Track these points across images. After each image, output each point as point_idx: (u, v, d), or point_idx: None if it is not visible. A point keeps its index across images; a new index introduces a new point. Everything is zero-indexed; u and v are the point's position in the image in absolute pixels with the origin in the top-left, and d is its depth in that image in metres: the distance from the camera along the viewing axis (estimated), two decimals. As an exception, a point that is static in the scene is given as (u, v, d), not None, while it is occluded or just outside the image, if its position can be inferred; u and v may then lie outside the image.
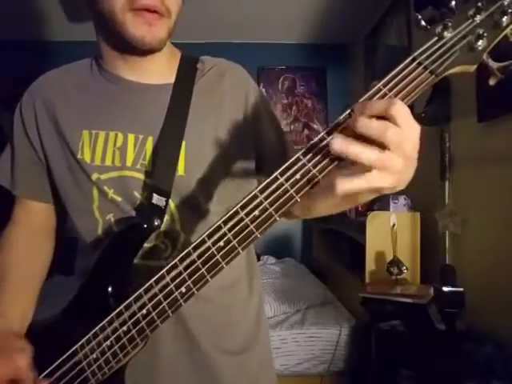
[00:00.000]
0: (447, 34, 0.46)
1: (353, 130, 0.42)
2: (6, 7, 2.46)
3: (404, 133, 0.40)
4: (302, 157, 0.46)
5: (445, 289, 1.45)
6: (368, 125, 0.40)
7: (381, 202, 1.96)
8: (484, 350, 1.29)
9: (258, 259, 2.97)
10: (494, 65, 0.48)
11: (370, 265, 1.87)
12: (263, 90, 3.20)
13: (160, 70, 0.71)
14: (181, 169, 0.66)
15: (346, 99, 3.25)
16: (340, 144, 0.41)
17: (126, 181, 0.67)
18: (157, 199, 0.64)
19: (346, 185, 0.42)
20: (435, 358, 1.31)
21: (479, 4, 0.45)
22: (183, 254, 0.52)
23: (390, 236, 1.81)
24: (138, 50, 0.65)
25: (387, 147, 0.40)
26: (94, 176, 0.67)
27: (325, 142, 0.45)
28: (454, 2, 0.46)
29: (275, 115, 0.79)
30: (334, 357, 1.93)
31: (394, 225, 1.81)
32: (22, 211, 0.76)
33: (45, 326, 0.63)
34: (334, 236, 2.56)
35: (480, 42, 0.45)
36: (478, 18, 0.45)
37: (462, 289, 1.44)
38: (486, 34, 0.45)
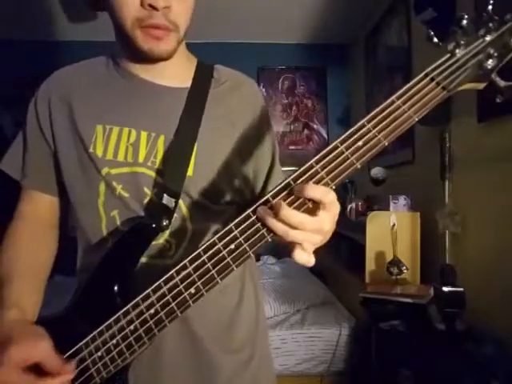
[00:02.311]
0: (459, 52, 0.48)
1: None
2: (7, 7, 2.47)
3: (330, 218, 0.52)
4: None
5: (445, 289, 1.45)
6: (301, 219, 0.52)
7: (381, 202, 1.96)
8: (484, 350, 1.28)
9: (258, 259, 2.97)
10: (501, 83, 0.49)
11: (369, 265, 1.87)
12: (263, 89, 3.20)
13: (176, 74, 0.73)
14: (190, 170, 0.68)
15: (346, 99, 3.25)
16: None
17: (136, 177, 0.68)
18: (167, 199, 0.66)
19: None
20: (435, 358, 1.31)
21: (490, 25, 0.47)
22: (193, 255, 0.53)
23: (390, 236, 1.80)
24: (147, 58, 0.68)
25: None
26: (104, 170, 0.68)
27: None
28: (465, 21, 0.47)
29: (273, 132, 0.81)
30: (334, 357, 1.93)
31: (393, 225, 1.81)
32: (27, 205, 0.76)
33: (49, 322, 0.62)
34: (334, 236, 2.55)
35: (490, 61, 0.47)
36: (489, 38, 0.47)
37: (462, 289, 1.44)
38: (496, 54, 0.47)
